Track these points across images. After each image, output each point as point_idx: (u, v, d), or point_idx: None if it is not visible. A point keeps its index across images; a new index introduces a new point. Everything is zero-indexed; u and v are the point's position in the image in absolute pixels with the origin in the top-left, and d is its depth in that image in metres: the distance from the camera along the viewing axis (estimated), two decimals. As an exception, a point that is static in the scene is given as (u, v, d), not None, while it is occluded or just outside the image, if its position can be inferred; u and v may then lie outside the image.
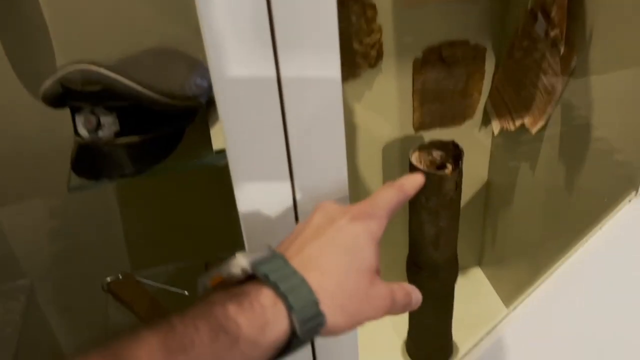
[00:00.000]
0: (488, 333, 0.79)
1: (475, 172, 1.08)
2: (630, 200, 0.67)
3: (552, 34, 0.76)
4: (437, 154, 0.83)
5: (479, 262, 1.22)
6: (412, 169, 0.80)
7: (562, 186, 0.83)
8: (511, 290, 1.11)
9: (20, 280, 1.09)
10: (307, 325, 0.36)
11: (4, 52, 0.89)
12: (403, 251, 0.92)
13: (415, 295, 0.46)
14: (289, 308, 0.36)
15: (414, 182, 0.49)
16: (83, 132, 0.82)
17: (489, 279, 1.18)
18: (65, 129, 0.83)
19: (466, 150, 1.01)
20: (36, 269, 1.10)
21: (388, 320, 1.11)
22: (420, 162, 0.83)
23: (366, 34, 0.85)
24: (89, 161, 0.84)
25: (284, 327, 0.36)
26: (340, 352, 0.62)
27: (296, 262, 0.39)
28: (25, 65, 0.91)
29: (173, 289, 1.05)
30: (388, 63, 0.89)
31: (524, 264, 1.02)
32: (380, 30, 0.86)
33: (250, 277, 0.38)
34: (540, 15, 0.80)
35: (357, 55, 0.87)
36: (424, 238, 0.85)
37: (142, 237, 1.15)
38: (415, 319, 0.99)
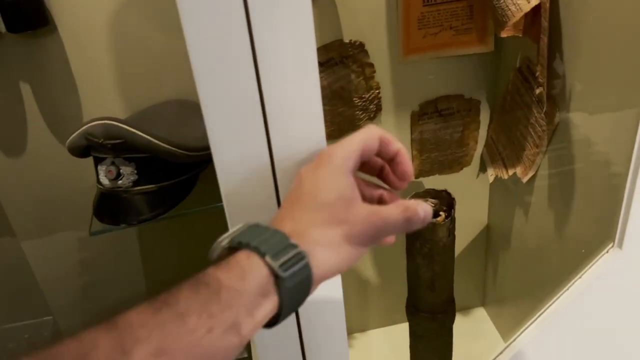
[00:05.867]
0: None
1: (475, 216, 1.13)
2: (608, 251, 0.72)
3: (537, 91, 0.82)
4: (431, 202, 0.88)
5: (483, 303, 1.25)
6: (408, 216, 0.86)
7: (552, 232, 0.87)
8: (511, 329, 1.14)
9: (45, 317, 1.16)
10: (283, 259, 0.37)
11: (38, 109, 0.97)
12: (403, 294, 0.97)
13: (423, 209, 0.44)
14: (262, 254, 0.37)
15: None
16: (104, 180, 0.89)
17: (491, 318, 1.22)
18: (90, 174, 0.91)
19: (465, 195, 1.07)
20: (60, 305, 1.17)
21: (393, 358, 1.15)
22: (416, 209, 0.88)
23: (365, 90, 0.92)
24: (109, 208, 0.91)
25: (264, 271, 0.37)
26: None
27: (276, 224, 0.41)
28: (55, 119, 0.99)
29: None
30: (387, 115, 0.96)
31: (522, 304, 1.06)
32: (378, 86, 0.92)
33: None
34: (527, 74, 0.86)
35: (357, 109, 0.93)
36: (420, 281, 0.90)
37: (161, 275, 1.22)
38: (416, 357, 1.03)
